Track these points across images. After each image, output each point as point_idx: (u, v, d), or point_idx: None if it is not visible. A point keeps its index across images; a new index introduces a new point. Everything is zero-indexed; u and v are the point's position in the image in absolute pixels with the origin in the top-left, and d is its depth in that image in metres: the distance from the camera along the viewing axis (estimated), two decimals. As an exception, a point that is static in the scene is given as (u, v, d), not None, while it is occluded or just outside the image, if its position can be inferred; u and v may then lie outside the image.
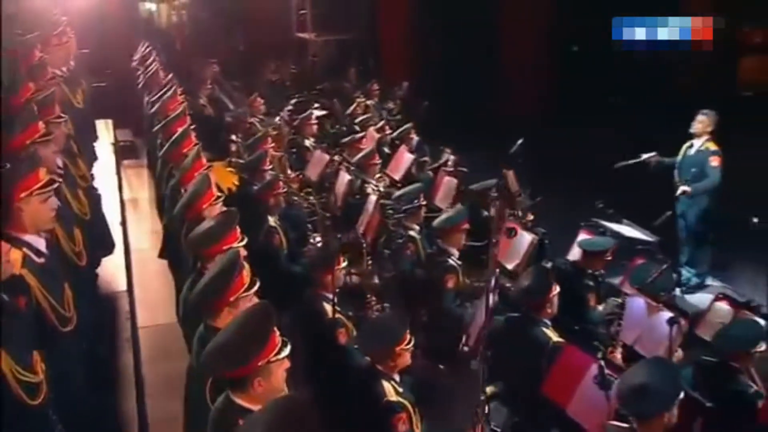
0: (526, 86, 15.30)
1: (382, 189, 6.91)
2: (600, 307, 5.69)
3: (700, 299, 7.11)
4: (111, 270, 5.96)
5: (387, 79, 12.96)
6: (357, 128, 9.88)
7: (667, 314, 4.62)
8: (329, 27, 14.75)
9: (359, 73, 13.12)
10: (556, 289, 4.47)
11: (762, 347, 4.39)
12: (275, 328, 2.63)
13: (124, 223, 7.26)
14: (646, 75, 15.75)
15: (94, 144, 7.69)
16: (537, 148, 8.47)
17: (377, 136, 8.95)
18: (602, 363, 3.74)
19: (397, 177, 7.87)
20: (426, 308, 5.31)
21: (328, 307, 4.66)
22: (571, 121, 13.70)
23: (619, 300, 5.48)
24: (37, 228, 3.24)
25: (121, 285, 6.11)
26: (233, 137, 8.75)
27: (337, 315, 4.59)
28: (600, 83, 15.33)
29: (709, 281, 7.69)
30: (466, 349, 4.68)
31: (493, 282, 4.79)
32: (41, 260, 3.21)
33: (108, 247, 5.55)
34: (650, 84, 15.68)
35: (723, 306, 5.38)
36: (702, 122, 7.33)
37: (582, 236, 6.29)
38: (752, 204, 7.61)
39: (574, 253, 6.20)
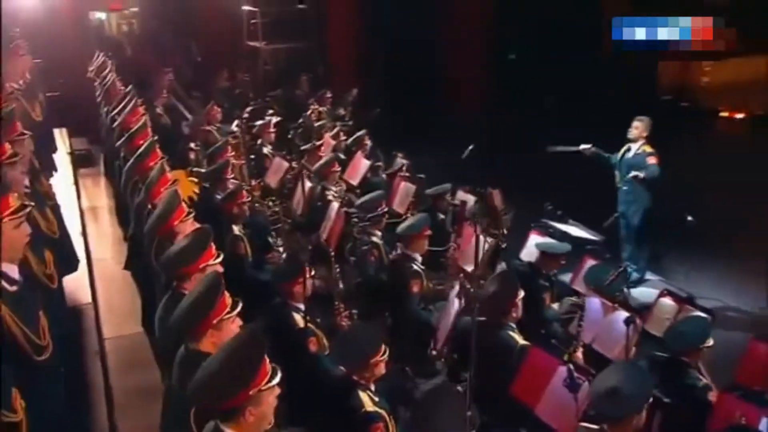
0: (468, 92, 15.36)
1: (343, 196, 6.79)
2: (555, 306, 5.74)
3: (641, 293, 7.25)
4: (74, 281, 5.71)
5: (336, 86, 12.80)
6: (312, 135, 9.78)
7: (624, 314, 4.63)
8: (279, 36, 14.51)
9: (310, 80, 12.95)
10: (521, 293, 4.45)
11: (710, 342, 4.47)
12: (266, 356, 2.50)
13: (84, 234, 7.02)
14: (577, 79, 16.10)
15: (53, 155, 7.40)
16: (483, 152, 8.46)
17: (333, 142, 8.83)
18: (571, 366, 3.72)
19: (354, 182, 7.78)
20: (391, 313, 5.22)
21: (297, 317, 4.55)
22: (511, 125, 13.87)
23: (575, 299, 5.50)
24: (11, 257, 3.02)
25: (85, 297, 5.88)
26: (192, 146, 8.51)
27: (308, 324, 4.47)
28: (536, 88, 15.55)
29: (649, 276, 7.84)
30: (434, 352, 4.63)
31: (457, 287, 4.78)
32: (13, 288, 3.00)
33: (73, 265, 5.28)
34: (581, 87, 16.01)
35: (668, 302, 5.45)
36: (638, 128, 7.49)
37: (533, 237, 6.32)
38: (681, 203, 7.88)
39: (527, 254, 6.24)
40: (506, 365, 4.19)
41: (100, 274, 6.45)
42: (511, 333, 4.31)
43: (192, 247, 3.55)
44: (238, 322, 3.04)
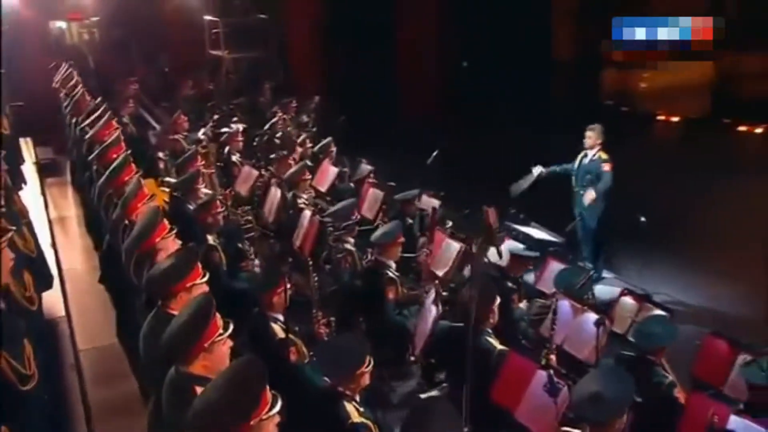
0: (423, 98, 15.30)
1: (313, 203, 6.65)
2: (521, 305, 5.69)
3: (600, 291, 7.25)
4: (47, 294, 5.44)
5: (298, 94, 12.58)
6: (277, 142, 9.60)
7: (593, 316, 4.63)
8: (241, 45, 14.24)
9: (273, 88, 12.71)
10: (498, 300, 4.39)
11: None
12: (267, 386, 2.38)
13: (54, 245, 6.73)
14: (526, 84, 16.20)
15: (21, 167, 7.07)
16: (446, 159, 8.40)
17: (300, 150, 8.67)
18: (551, 372, 3.68)
19: (323, 189, 7.64)
20: (366, 318, 5.11)
21: (276, 327, 4.40)
22: (465, 129, 13.87)
23: (543, 301, 5.45)
24: (-6, 285, 2.80)
25: (59, 310, 5.61)
26: (160, 155, 8.23)
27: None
28: (487, 94, 15.56)
29: (605, 274, 7.86)
30: (412, 358, 4.54)
31: (433, 294, 4.70)
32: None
33: (48, 282, 5.00)
34: (528, 93, 16.11)
35: (628, 300, 5.49)
36: (590, 137, 7.52)
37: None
38: (626, 203, 7.91)
39: (492, 256, 6.18)
40: (486, 370, 4.13)
41: (71, 285, 6.17)
42: (488, 338, 4.24)
43: (179, 266, 3.35)
44: (229, 343, 2.90)
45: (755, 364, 4.25)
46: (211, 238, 5.69)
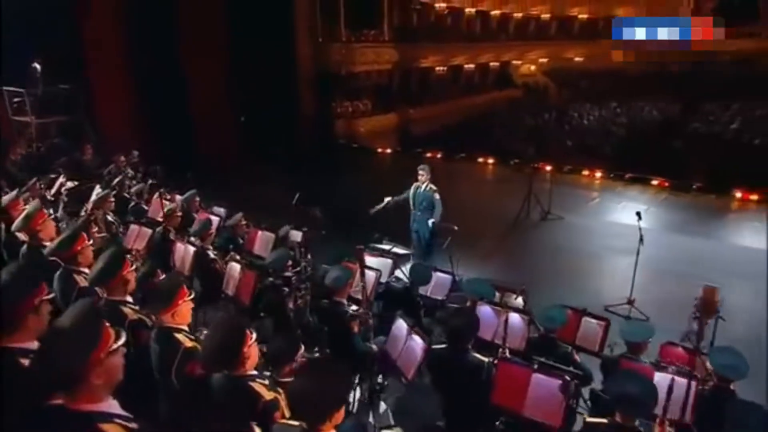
0: (219, 148, 13.48)
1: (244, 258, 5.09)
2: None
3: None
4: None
5: (111, 150, 9.99)
6: (132, 197, 7.45)
7: (517, 315, 4.27)
8: (47, 110, 10.84)
9: (93, 147, 9.90)
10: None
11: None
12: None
13: None
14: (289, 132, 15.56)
15: None
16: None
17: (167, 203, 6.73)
18: (567, 378, 3.18)
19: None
20: (332, 348, 4.03)
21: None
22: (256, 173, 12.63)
23: (455, 305, 4.83)
24: None
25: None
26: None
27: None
28: (267, 141, 14.45)
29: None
30: (404, 381, 3.65)
31: (404, 324, 3.87)
32: None
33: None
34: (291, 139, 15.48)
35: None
36: (423, 174, 7.19)
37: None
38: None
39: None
40: (477, 381, 3.48)
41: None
42: (475, 354, 3.57)
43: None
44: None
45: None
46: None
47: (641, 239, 6.44)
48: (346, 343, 3.96)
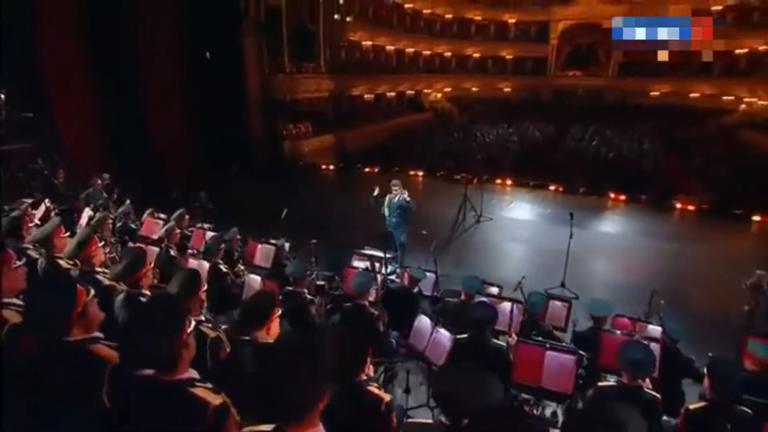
0: (179, 169, 12.39)
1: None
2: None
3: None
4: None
5: (81, 174, 8.87)
6: (119, 217, 6.62)
7: (508, 303, 4.34)
8: (12, 136, 9.36)
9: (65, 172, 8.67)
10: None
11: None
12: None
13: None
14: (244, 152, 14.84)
15: None
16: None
17: (161, 222, 6.08)
18: (581, 353, 3.28)
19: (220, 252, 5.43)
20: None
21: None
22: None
23: (453, 300, 4.76)
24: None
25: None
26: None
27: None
28: (224, 161, 13.59)
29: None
30: (435, 368, 3.56)
31: (428, 320, 3.79)
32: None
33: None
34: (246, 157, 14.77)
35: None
36: (396, 187, 7.08)
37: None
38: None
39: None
40: (498, 364, 3.48)
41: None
42: (495, 341, 3.58)
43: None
44: None
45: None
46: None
47: (571, 235, 6.88)
48: (376, 341, 3.79)
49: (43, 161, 9.09)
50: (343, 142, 21.03)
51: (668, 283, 6.43)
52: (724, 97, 24.94)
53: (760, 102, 22.28)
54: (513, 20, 31.93)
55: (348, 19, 22.71)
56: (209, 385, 1.77)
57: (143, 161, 11.08)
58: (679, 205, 11.76)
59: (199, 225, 6.20)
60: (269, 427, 1.47)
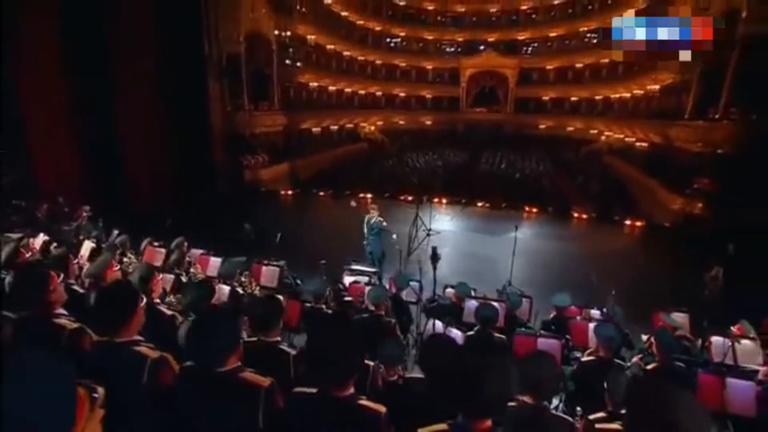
0: (152, 198, 11.38)
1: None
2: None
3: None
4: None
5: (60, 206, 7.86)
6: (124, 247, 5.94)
7: (496, 303, 4.53)
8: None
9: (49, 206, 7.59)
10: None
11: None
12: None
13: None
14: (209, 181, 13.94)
15: None
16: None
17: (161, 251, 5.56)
18: (566, 339, 3.56)
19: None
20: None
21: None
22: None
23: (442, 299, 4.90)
24: None
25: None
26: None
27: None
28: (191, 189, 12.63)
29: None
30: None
31: (439, 323, 3.89)
32: None
33: None
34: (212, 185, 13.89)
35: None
36: (373, 210, 7.09)
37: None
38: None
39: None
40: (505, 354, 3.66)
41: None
42: (498, 335, 3.76)
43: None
44: None
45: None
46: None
47: (515, 240, 7.40)
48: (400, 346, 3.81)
49: (22, 195, 7.90)
50: (296, 170, 20.61)
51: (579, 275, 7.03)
52: (591, 131, 28.34)
53: (614, 135, 25.61)
54: (431, 66, 33.87)
55: (298, 64, 22.69)
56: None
57: (117, 192, 10.06)
58: (576, 215, 13.13)
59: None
60: (443, 426, 1.43)
